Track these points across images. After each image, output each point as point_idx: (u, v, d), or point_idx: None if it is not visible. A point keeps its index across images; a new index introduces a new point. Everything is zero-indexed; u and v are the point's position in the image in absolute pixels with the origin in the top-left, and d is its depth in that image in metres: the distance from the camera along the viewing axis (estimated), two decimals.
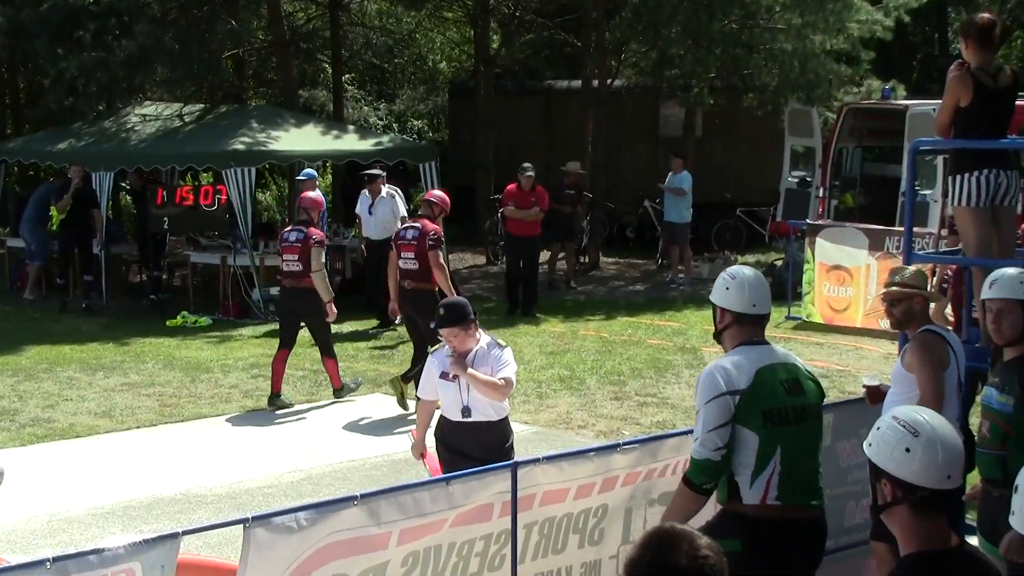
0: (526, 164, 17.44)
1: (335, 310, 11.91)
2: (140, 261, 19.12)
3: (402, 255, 11.41)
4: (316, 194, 13.06)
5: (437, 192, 12.70)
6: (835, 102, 19.79)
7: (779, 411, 4.96)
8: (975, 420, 6.29)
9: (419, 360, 10.55)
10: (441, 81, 33.06)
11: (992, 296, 5.43)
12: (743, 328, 5.12)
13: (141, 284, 18.20)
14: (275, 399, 11.79)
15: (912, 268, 6.24)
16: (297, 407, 11.91)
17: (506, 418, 7.13)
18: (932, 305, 6.29)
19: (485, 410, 6.94)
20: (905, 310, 6.04)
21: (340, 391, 12.01)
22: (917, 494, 3.33)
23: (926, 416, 3.46)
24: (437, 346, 7.19)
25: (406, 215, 16.28)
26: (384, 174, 16.95)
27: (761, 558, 4.86)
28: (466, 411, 6.95)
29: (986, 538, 5.44)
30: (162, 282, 18.41)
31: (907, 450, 3.34)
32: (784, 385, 5.01)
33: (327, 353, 11.96)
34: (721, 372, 4.98)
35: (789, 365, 5.10)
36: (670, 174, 19.97)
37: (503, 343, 7.21)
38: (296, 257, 11.65)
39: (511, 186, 17.33)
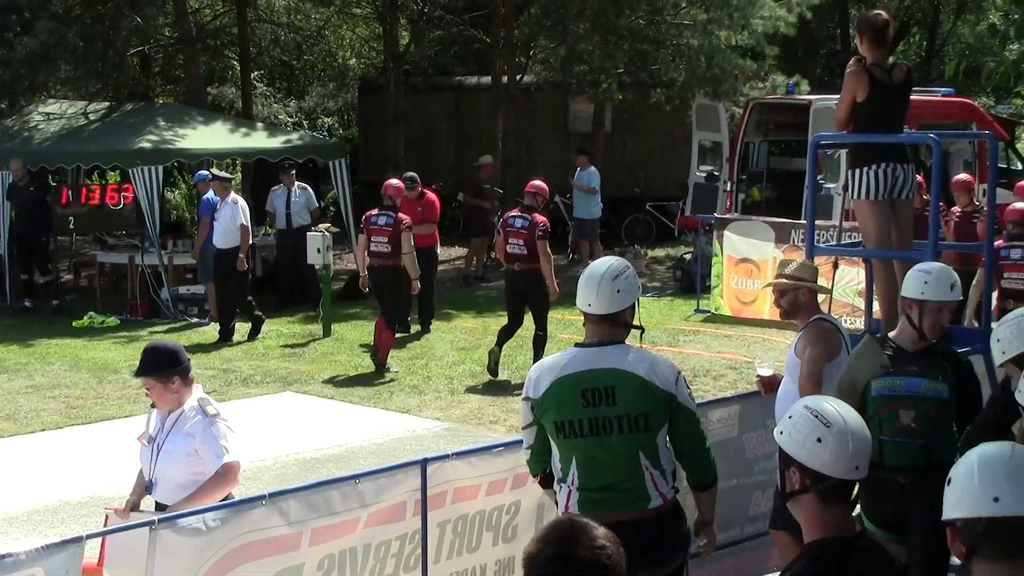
0: (409, 173, 15.90)
1: (419, 286, 13.55)
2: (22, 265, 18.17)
3: (510, 240, 12.46)
4: (398, 182, 14.12)
5: (537, 183, 13.34)
6: (741, 97, 20.07)
7: (570, 423, 4.84)
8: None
9: (538, 345, 12.51)
10: (351, 78, 32.90)
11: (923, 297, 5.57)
12: (588, 325, 5.02)
13: (48, 285, 17.86)
14: (381, 369, 13.03)
15: (799, 261, 6.38)
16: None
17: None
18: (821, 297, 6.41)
19: (173, 493, 5.52)
20: (791, 301, 6.17)
21: (382, 367, 13.03)
22: (825, 483, 3.39)
23: (837, 407, 3.51)
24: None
25: (318, 207, 17.01)
26: (294, 171, 16.91)
27: None
28: (150, 486, 5.66)
29: (876, 524, 5.56)
30: (55, 284, 17.98)
31: (819, 440, 3.38)
32: (584, 395, 4.82)
33: (389, 326, 13.13)
34: (529, 375, 5.05)
35: (605, 371, 4.84)
36: (577, 170, 20.10)
37: (214, 409, 5.63)
38: (386, 239, 13.05)
39: None
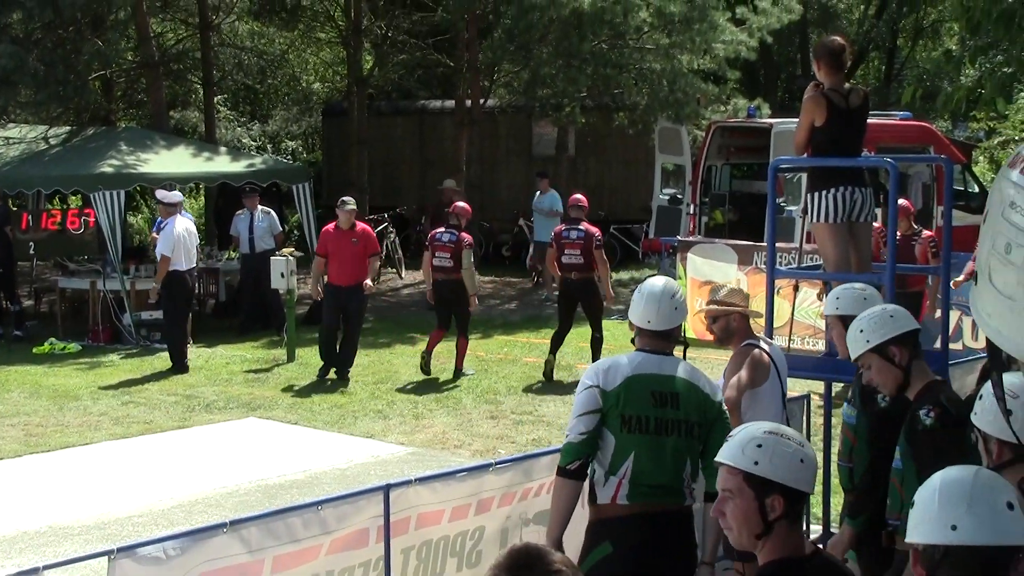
0: (345, 198, 14.62)
1: (477, 302, 14.48)
2: None
3: (566, 251, 13.58)
4: (466, 204, 14.81)
5: (578, 195, 14.30)
6: (703, 120, 20.19)
7: (638, 419, 5.05)
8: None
9: (596, 346, 13.62)
10: (315, 101, 32.90)
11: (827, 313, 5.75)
12: (643, 338, 5.31)
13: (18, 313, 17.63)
14: (458, 374, 14.12)
15: (730, 286, 6.48)
16: (168, 433, 11.73)
17: None
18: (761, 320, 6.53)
19: None
20: (723, 327, 6.27)
21: (459, 372, 14.12)
22: (801, 503, 3.45)
23: (785, 429, 3.58)
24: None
25: (282, 230, 17.18)
26: (257, 195, 16.88)
27: (628, 554, 4.97)
28: None
29: None
30: (21, 314, 17.66)
31: (801, 461, 3.43)
32: (654, 396, 5.09)
33: (463, 334, 14.19)
34: (598, 368, 5.19)
35: (672, 378, 5.15)
36: (537, 194, 20.15)
37: None
38: (449, 255, 13.78)
39: (327, 227, 14.31)
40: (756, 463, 3.44)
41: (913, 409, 4.84)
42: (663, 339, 5.26)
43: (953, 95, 7.91)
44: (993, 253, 1.44)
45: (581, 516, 5.23)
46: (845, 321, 5.49)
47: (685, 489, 5.12)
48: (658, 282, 5.37)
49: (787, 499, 3.42)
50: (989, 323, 1.40)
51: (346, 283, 13.88)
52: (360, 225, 14.45)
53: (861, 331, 4.96)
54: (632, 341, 5.42)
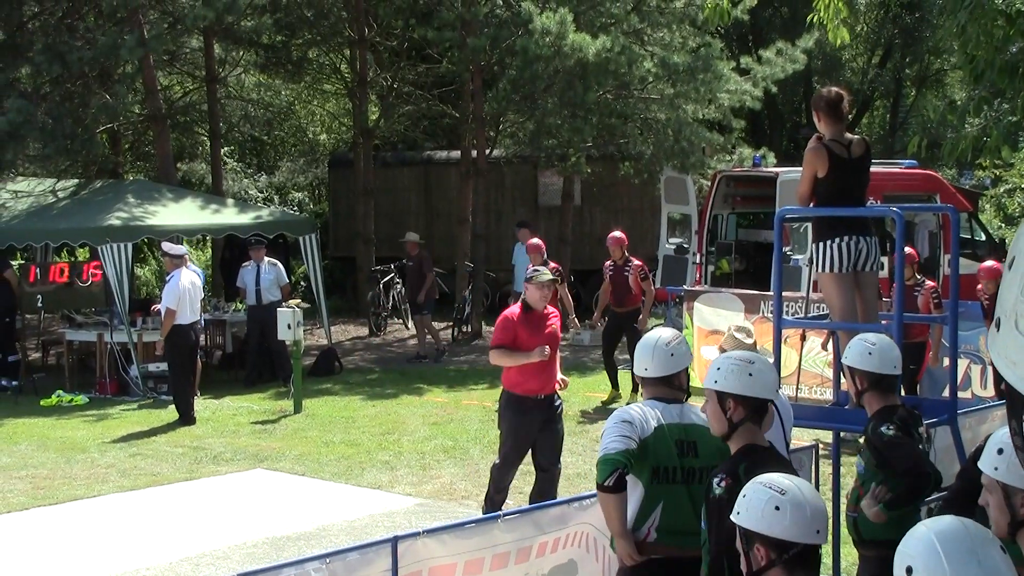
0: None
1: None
2: None
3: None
4: (537, 240, 16.05)
5: (617, 234, 15.37)
6: (708, 170, 20.26)
7: (666, 470, 5.18)
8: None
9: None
10: (321, 152, 33.08)
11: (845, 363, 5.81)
12: (647, 388, 5.44)
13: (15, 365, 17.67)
14: None
15: (726, 333, 6.55)
16: (176, 484, 11.70)
17: None
18: None
19: None
20: None
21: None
22: (790, 551, 3.41)
23: (787, 478, 3.58)
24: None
25: (288, 282, 17.03)
26: (264, 247, 16.96)
27: None
28: None
29: None
30: (19, 366, 17.66)
31: (776, 508, 3.42)
32: (678, 444, 5.20)
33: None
34: (632, 412, 5.25)
35: (691, 426, 5.26)
36: (517, 244, 19.78)
37: None
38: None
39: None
40: (739, 513, 3.51)
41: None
42: (666, 386, 5.36)
43: (958, 144, 7.94)
44: (1021, 300, 1.43)
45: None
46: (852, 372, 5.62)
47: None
48: (655, 332, 5.52)
49: (771, 548, 3.41)
50: (1015, 370, 1.39)
51: None
52: None
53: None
54: (636, 385, 5.53)
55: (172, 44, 22.69)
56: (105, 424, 14.66)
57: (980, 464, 3.85)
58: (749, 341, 6.50)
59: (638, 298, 14.99)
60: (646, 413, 5.24)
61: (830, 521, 4.98)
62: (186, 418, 14.55)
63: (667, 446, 5.19)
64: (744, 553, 3.51)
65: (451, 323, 21.76)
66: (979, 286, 12.35)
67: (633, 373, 5.51)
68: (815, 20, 9.21)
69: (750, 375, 4.77)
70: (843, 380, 7.54)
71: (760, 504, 3.45)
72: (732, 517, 3.55)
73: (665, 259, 20.09)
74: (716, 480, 4.57)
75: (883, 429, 5.55)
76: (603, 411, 14.27)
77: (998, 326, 1.49)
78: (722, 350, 6.28)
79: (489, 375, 17.81)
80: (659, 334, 5.47)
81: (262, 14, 20.87)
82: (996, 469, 3.73)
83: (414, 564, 5.60)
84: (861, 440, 6.05)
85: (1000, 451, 3.73)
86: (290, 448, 13.23)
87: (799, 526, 3.43)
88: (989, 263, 12.75)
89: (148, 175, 26.58)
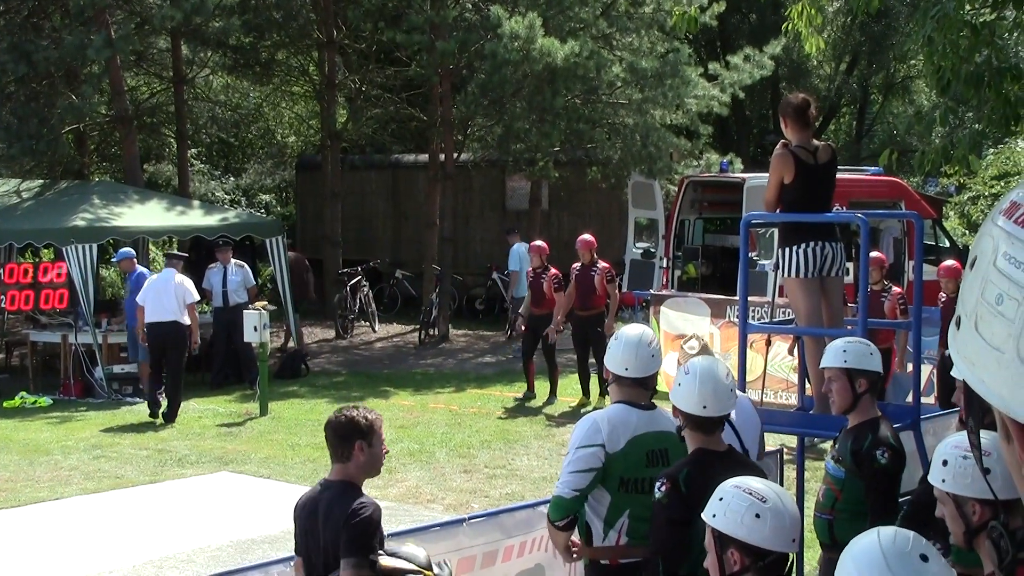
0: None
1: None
2: None
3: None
4: (540, 242, 16.08)
5: (587, 236, 15.37)
6: (676, 175, 20.33)
7: (635, 481, 5.12)
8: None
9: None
10: (289, 155, 32.98)
11: (823, 365, 5.69)
12: (620, 387, 5.28)
13: None
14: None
15: (682, 349, 6.51)
16: (140, 487, 11.63)
17: None
18: None
19: None
20: None
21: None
22: (766, 559, 3.42)
23: (766, 484, 3.58)
24: None
25: (255, 284, 17.16)
26: (230, 249, 16.90)
27: None
28: None
29: None
30: None
31: (757, 516, 3.42)
32: (648, 456, 5.14)
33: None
34: (599, 426, 5.14)
35: (662, 434, 5.16)
36: (511, 250, 19.98)
37: None
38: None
39: None
40: (714, 516, 3.50)
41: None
42: (640, 387, 5.24)
43: (928, 156, 8.02)
44: (982, 302, 1.45)
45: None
46: (850, 374, 5.51)
47: None
48: (636, 329, 5.36)
49: (746, 554, 3.42)
50: (973, 371, 1.40)
51: None
52: None
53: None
54: (604, 389, 5.46)
55: (139, 45, 22.56)
56: (68, 426, 14.56)
57: (930, 478, 3.89)
58: (694, 352, 6.36)
59: (602, 300, 14.95)
60: (617, 425, 5.13)
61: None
62: (156, 412, 14.84)
63: (637, 457, 5.13)
64: (717, 555, 3.50)
65: (418, 326, 21.73)
66: (940, 293, 12.44)
67: (603, 374, 5.47)
68: (789, 28, 9.27)
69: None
70: (808, 385, 7.60)
71: (740, 510, 3.45)
72: (706, 518, 3.54)
73: (632, 263, 20.14)
74: (658, 484, 4.62)
75: (877, 454, 5.38)
76: (571, 415, 14.28)
77: (958, 324, 1.50)
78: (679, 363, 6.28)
79: (455, 378, 17.82)
80: (639, 332, 5.31)
81: (230, 15, 20.77)
82: (944, 481, 3.76)
83: None
84: (830, 445, 5.99)
85: (945, 463, 3.75)
86: (256, 451, 13.18)
87: (777, 535, 3.44)
88: (949, 262, 12.86)
89: (114, 176, 26.43)
